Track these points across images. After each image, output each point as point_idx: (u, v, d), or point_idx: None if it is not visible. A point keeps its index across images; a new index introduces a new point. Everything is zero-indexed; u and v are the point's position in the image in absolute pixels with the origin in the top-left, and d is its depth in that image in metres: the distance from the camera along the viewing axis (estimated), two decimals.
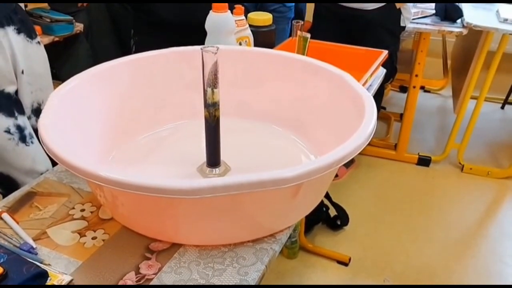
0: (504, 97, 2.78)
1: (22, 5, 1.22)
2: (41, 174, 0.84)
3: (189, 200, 0.54)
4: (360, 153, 0.66)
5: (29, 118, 1.18)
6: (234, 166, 0.79)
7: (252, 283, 0.61)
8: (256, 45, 1.23)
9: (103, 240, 0.67)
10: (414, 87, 2.15)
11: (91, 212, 0.73)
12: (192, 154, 0.81)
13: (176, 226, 0.62)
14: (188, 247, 0.66)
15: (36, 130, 1.17)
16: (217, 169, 0.78)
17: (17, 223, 0.70)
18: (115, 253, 0.65)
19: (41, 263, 0.61)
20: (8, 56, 1.11)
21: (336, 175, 2.07)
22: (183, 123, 0.94)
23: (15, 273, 0.56)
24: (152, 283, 0.60)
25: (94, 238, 0.68)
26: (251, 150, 0.88)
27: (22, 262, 0.58)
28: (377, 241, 1.78)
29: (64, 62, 1.92)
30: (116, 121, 0.84)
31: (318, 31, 1.50)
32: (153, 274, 0.62)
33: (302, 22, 1.24)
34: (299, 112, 0.90)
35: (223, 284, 0.60)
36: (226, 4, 1.07)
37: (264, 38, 1.28)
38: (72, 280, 0.60)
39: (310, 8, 2.02)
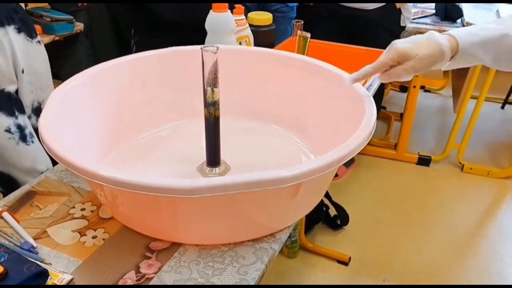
0: (504, 97, 2.78)
1: (22, 4, 1.22)
2: (42, 173, 0.85)
3: (189, 199, 0.54)
4: (360, 153, 0.66)
5: (29, 117, 1.18)
6: (234, 165, 0.79)
7: (252, 282, 0.61)
8: (256, 44, 1.23)
9: (103, 239, 0.68)
10: (414, 86, 2.15)
11: (91, 212, 0.73)
12: (192, 154, 0.81)
13: (176, 225, 0.62)
14: (188, 246, 0.66)
15: (36, 130, 1.17)
16: (217, 168, 0.78)
17: (18, 222, 0.70)
18: (115, 252, 0.65)
19: (41, 262, 0.62)
20: (9, 55, 1.11)
21: (336, 175, 2.07)
22: (183, 123, 0.94)
23: (16, 272, 0.56)
24: (152, 282, 0.60)
25: (94, 237, 0.68)
26: (251, 150, 0.88)
27: (22, 261, 0.58)
28: (377, 240, 1.78)
29: (65, 62, 1.92)
30: (116, 120, 0.85)
31: (318, 31, 1.50)
32: (153, 273, 0.62)
33: (302, 22, 1.24)
34: (299, 112, 0.90)
35: (223, 283, 0.60)
36: (226, 4, 1.07)
37: (264, 38, 1.28)
38: (72, 279, 0.60)
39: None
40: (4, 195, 0.78)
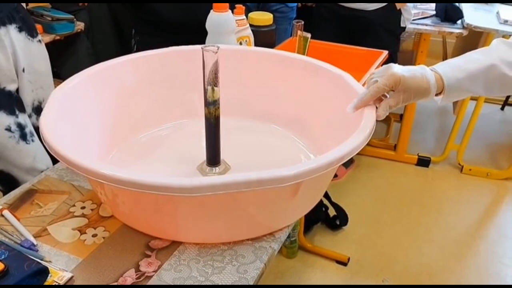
0: (504, 99, 2.79)
1: (23, 3, 1.22)
2: (42, 172, 0.85)
3: (189, 198, 0.55)
4: (359, 154, 0.66)
5: (29, 116, 1.18)
6: (234, 165, 0.79)
7: (251, 281, 0.61)
8: (256, 44, 1.24)
9: (104, 238, 0.68)
10: None
11: (92, 210, 0.74)
12: (192, 153, 0.82)
13: (176, 224, 0.62)
14: (188, 245, 0.66)
15: (36, 128, 1.17)
16: (217, 168, 0.78)
17: (18, 220, 0.70)
18: (115, 250, 0.65)
19: (41, 260, 0.62)
20: (10, 54, 1.11)
21: (336, 175, 2.07)
22: (183, 122, 0.94)
23: (16, 270, 0.56)
24: (151, 280, 0.61)
25: (94, 235, 0.68)
26: (251, 149, 0.89)
27: (23, 258, 0.59)
28: (376, 241, 1.79)
29: (65, 61, 1.92)
30: (117, 119, 0.85)
31: (319, 31, 1.51)
32: (153, 271, 0.62)
33: (303, 22, 1.24)
34: (299, 112, 0.91)
35: (222, 281, 0.61)
36: (227, 4, 1.07)
37: (264, 38, 1.28)
38: (72, 277, 0.60)
39: None
40: (4, 194, 0.78)
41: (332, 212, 1.83)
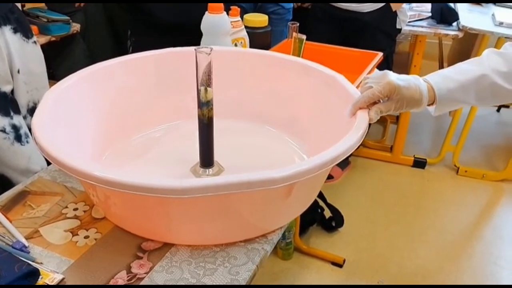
0: None
1: (18, 5, 1.22)
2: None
3: (180, 200, 0.55)
4: (355, 155, 0.66)
5: (24, 117, 1.18)
6: (228, 167, 0.79)
7: (243, 282, 0.61)
8: (251, 46, 1.24)
9: (96, 239, 0.68)
10: None
11: (84, 211, 0.73)
12: (186, 155, 0.82)
13: (168, 226, 0.62)
14: (180, 246, 0.66)
15: (31, 130, 1.17)
16: (210, 169, 0.78)
17: (10, 221, 0.70)
18: (107, 252, 0.65)
19: (33, 261, 0.62)
20: (4, 56, 1.11)
21: (332, 177, 2.08)
22: (177, 124, 0.94)
23: (7, 271, 0.56)
24: (143, 282, 0.61)
25: (86, 237, 0.68)
26: (245, 151, 0.89)
27: (13, 260, 0.59)
28: (372, 242, 1.79)
29: (61, 62, 1.92)
30: (110, 121, 0.85)
31: (315, 33, 1.51)
32: (145, 273, 0.62)
33: (298, 24, 1.24)
34: (293, 113, 0.91)
35: (214, 283, 0.61)
36: (222, 5, 1.07)
37: (259, 40, 1.28)
38: (63, 278, 0.60)
39: None
40: None
41: (327, 213, 1.83)
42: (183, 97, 0.92)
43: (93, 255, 0.65)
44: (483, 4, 2.20)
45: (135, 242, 0.67)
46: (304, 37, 1.24)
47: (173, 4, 1.36)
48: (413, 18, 2.02)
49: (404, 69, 2.56)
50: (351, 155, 0.67)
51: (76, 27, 1.89)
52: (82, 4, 1.98)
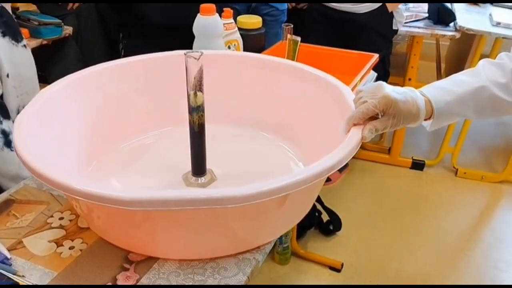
0: None
1: (8, 7, 1.20)
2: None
3: (163, 213, 0.52)
4: (353, 157, 0.64)
5: (14, 122, 1.15)
6: (221, 174, 0.77)
7: None
8: (245, 49, 1.22)
9: (81, 250, 0.65)
10: None
11: (70, 221, 0.71)
12: (178, 162, 0.79)
13: (153, 240, 0.60)
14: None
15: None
16: (202, 178, 0.76)
17: None
18: (92, 263, 0.63)
19: (14, 274, 0.59)
20: None
21: (329, 179, 2.05)
22: (168, 130, 0.92)
23: None
24: None
25: (71, 247, 0.66)
26: (239, 158, 0.86)
27: None
28: (370, 246, 1.76)
29: (54, 66, 1.89)
30: (98, 128, 0.82)
31: (310, 35, 1.49)
32: (131, 285, 0.60)
33: (292, 25, 1.22)
34: (287, 118, 0.89)
35: None
36: (214, 7, 1.05)
37: (253, 42, 1.26)
38: None
39: None
40: None
41: (325, 217, 1.80)
42: (174, 102, 0.89)
43: (77, 267, 0.62)
44: (480, 4, 2.19)
45: (122, 253, 0.65)
46: (298, 38, 1.22)
47: (165, 6, 1.34)
48: (410, 19, 2.00)
49: (401, 70, 2.54)
50: None
51: (68, 30, 1.87)
52: (74, 7, 1.96)
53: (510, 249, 1.78)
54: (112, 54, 1.85)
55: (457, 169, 2.18)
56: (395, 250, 1.74)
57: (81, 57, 1.94)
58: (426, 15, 2.04)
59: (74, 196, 0.52)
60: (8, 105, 1.16)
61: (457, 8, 2.10)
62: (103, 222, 0.63)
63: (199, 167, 0.76)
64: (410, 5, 2.15)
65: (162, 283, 0.60)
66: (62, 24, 1.83)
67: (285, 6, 1.86)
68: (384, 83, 0.69)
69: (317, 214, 1.79)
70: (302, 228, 1.76)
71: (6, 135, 1.11)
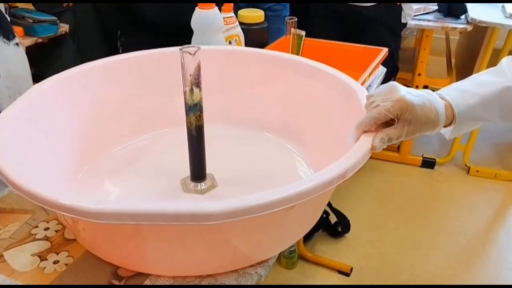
0: None
1: (1, 5, 1.15)
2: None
3: (148, 226, 0.46)
4: None
5: None
6: (223, 179, 0.71)
7: None
8: (247, 44, 1.16)
9: (66, 264, 0.60)
10: (417, 86, 2.07)
11: (56, 231, 0.65)
12: (176, 166, 0.73)
13: (143, 255, 0.54)
14: None
15: None
16: (202, 183, 0.70)
17: None
18: (78, 280, 0.57)
19: None
20: None
21: None
22: (164, 132, 0.86)
23: None
24: None
25: (56, 262, 0.60)
26: (242, 161, 0.80)
27: None
28: (380, 249, 1.70)
29: (50, 65, 1.84)
30: (89, 130, 0.76)
31: (315, 29, 1.42)
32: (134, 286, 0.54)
33: (296, 19, 1.16)
34: (294, 118, 0.82)
35: None
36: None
37: (255, 37, 1.20)
38: None
39: None
40: None
41: (333, 218, 1.74)
42: (170, 102, 0.83)
43: (61, 283, 0.57)
44: None
45: (111, 267, 0.59)
46: (303, 33, 1.15)
47: (163, 3, 1.29)
48: (419, 12, 1.93)
49: (410, 65, 2.47)
50: None
51: (64, 27, 1.82)
52: (71, 4, 1.90)
53: None
54: (110, 52, 1.79)
55: (469, 167, 2.11)
56: (406, 253, 1.67)
57: (78, 56, 1.88)
58: (436, 7, 1.97)
59: (36, 203, 0.47)
60: (1, 106, 1.12)
61: None
62: (89, 235, 0.57)
63: (198, 172, 0.70)
64: None
65: None
66: (58, 21, 1.78)
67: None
68: (398, 84, 0.61)
69: (324, 215, 1.73)
70: (309, 230, 1.69)
71: None
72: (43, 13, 1.76)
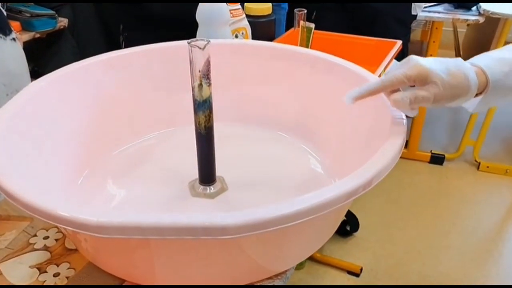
0: None
1: None
2: None
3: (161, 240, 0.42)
4: None
5: None
6: (233, 183, 0.67)
7: None
8: (254, 37, 1.11)
9: (67, 277, 0.55)
10: None
11: (56, 240, 0.61)
12: (184, 167, 0.69)
13: (151, 268, 0.49)
14: None
15: None
16: (211, 187, 0.66)
17: None
18: None
19: None
20: None
21: None
22: (170, 131, 0.81)
23: None
24: None
25: (56, 274, 0.55)
26: (253, 162, 0.75)
27: None
28: (390, 248, 1.65)
29: (49, 60, 1.79)
30: (90, 130, 0.72)
31: (322, 22, 1.37)
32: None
33: (306, 11, 1.11)
34: (309, 117, 0.77)
35: None
36: None
37: (263, 30, 1.15)
38: None
39: None
40: None
41: None
42: (178, 100, 0.78)
43: None
44: None
45: (115, 280, 0.54)
46: (312, 25, 1.11)
47: None
48: (428, 3, 1.87)
49: None
50: None
51: (63, 22, 1.76)
52: None
53: None
54: (112, 47, 1.74)
55: (479, 163, 2.06)
56: (417, 252, 1.63)
57: (77, 51, 1.83)
58: None
59: (30, 213, 0.43)
60: None
61: None
62: (91, 246, 0.52)
63: (207, 174, 0.65)
64: None
65: None
66: (56, 15, 1.72)
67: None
68: (414, 55, 0.55)
69: None
70: None
71: None
72: (41, 7, 1.70)
